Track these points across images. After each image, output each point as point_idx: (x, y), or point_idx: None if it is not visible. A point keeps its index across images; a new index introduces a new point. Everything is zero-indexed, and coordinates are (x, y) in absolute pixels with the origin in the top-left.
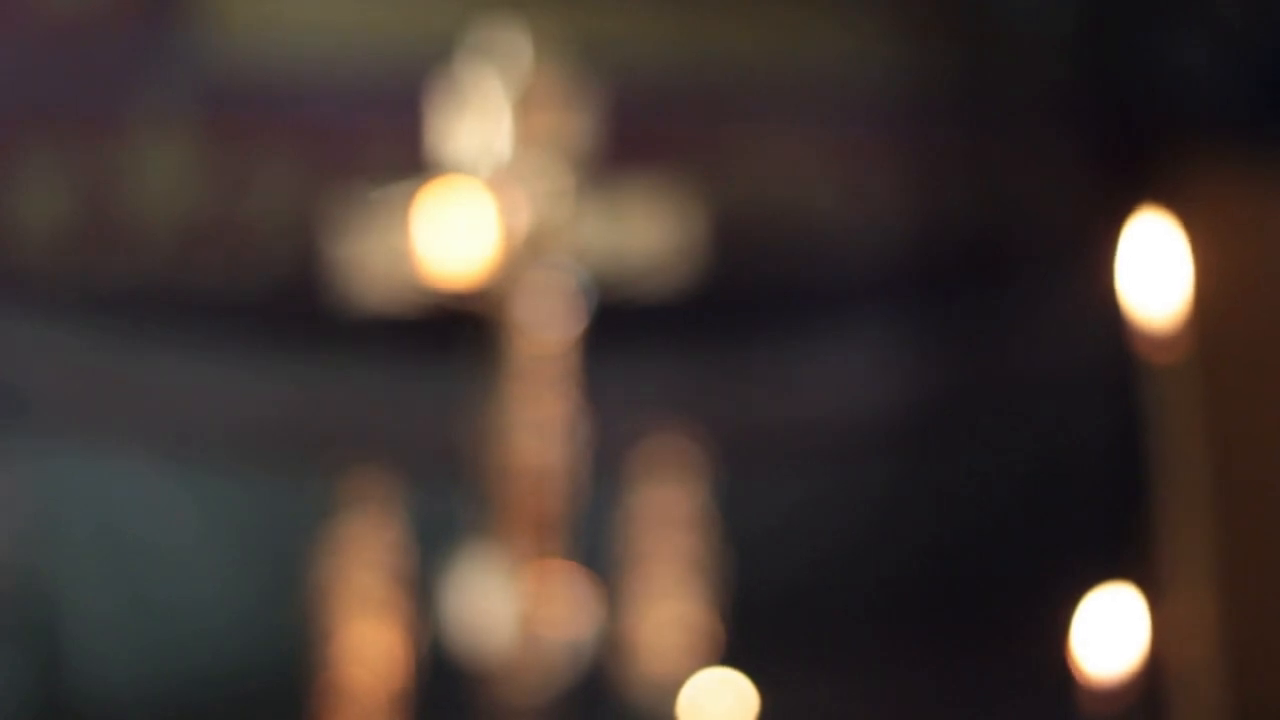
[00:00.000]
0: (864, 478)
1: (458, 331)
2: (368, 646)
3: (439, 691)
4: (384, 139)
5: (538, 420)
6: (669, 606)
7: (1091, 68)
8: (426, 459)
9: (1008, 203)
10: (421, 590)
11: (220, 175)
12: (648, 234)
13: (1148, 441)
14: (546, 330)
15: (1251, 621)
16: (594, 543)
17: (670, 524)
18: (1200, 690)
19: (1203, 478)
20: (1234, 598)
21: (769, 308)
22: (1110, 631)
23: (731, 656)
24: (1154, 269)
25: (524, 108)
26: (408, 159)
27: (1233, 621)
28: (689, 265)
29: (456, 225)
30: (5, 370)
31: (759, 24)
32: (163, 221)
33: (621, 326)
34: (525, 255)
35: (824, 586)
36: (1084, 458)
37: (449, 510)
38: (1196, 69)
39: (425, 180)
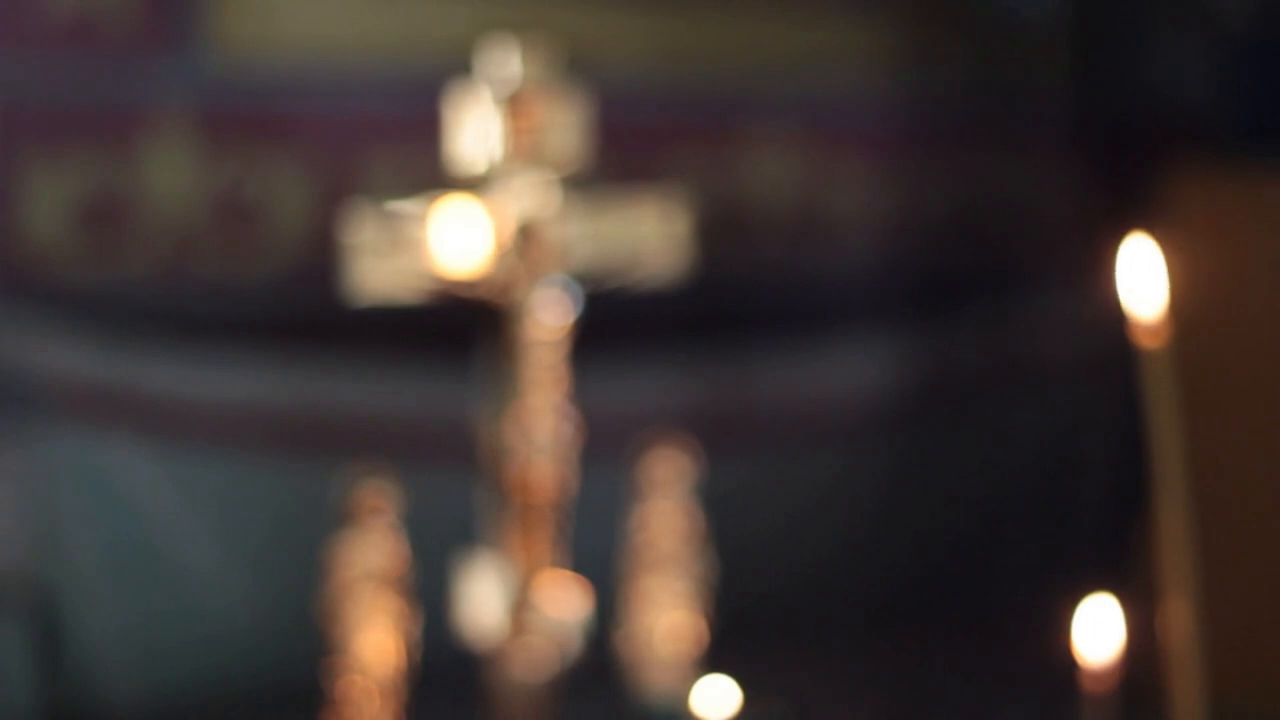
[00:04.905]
0: (862, 474)
1: (457, 329)
2: (373, 637)
3: (441, 678)
4: (384, 143)
5: (535, 414)
6: (664, 601)
7: (1090, 75)
8: (428, 453)
9: (1002, 202)
10: (423, 582)
11: (226, 177)
12: (643, 232)
13: (1142, 428)
14: (543, 326)
15: (1233, 598)
16: (590, 537)
17: (667, 518)
18: (1189, 668)
19: (1186, 464)
20: (1216, 579)
21: (766, 308)
22: (1107, 614)
23: (726, 652)
24: (1146, 264)
25: (518, 112)
26: (408, 161)
27: (1216, 599)
28: (684, 263)
29: (455, 226)
30: (12, 367)
31: (760, 29)
32: (171, 222)
33: (618, 324)
34: (522, 255)
35: (821, 583)
36: (1081, 448)
37: (451, 504)
38: (1189, 76)
39: (426, 183)
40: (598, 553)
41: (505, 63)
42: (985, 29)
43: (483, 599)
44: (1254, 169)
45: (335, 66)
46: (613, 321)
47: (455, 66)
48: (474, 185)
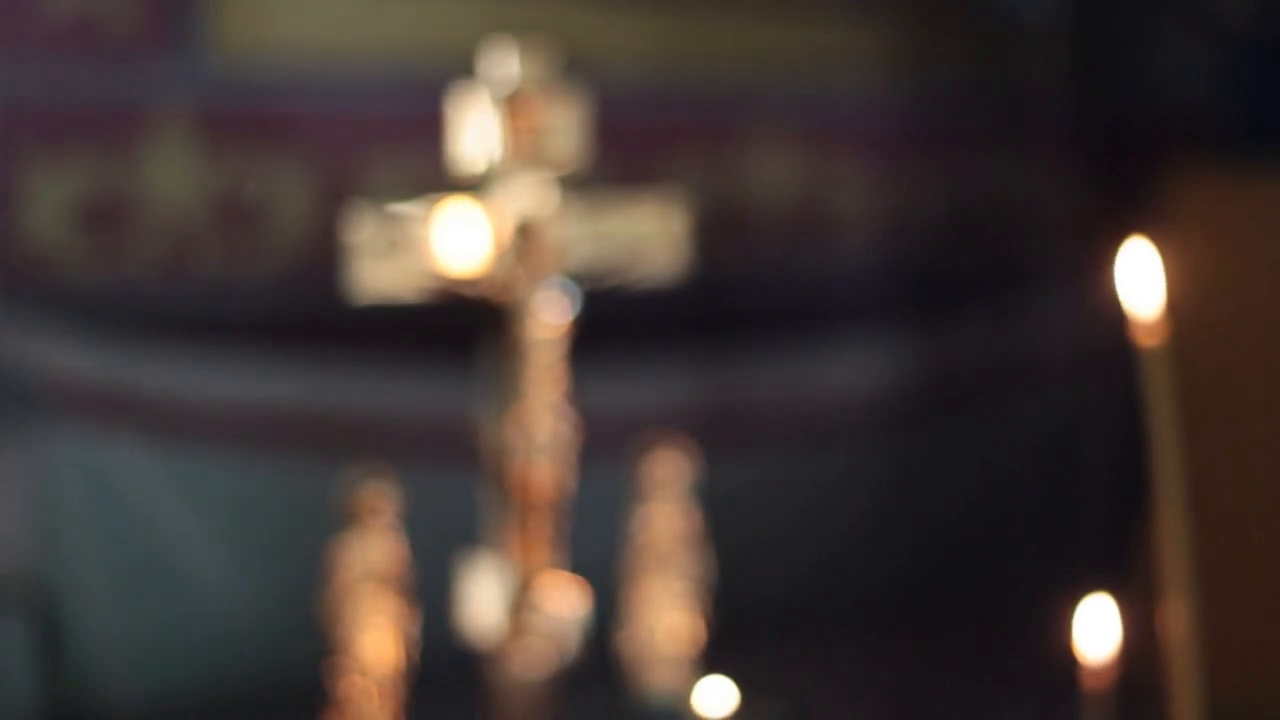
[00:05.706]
0: (863, 473)
1: (457, 329)
2: (373, 637)
3: (441, 678)
4: (384, 143)
5: (535, 414)
6: (665, 601)
7: (1090, 76)
8: (428, 453)
9: (1002, 202)
10: (423, 582)
11: (226, 177)
12: (643, 232)
13: (1142, 428)
14: (543, 326)
15: (1233, 598)
16: (590, 537)
17: (667, 518)
18: (1189, 668)
19: (1186, 464)
20: (1216, 579)
21: (766, 308)
22: (1106, 614)
23: (726, 652)
24: (1146, 264)
25: (518, 113)
26: (408, 162)
27: (1216, 599)
28: (684, 263)
29: (455, 226)
30: (13, 367)
31: (760, 29)
32: (171, 222)
33: (618, 324)
34: (522, 255)
35: (821, 583)
36: (1081, 448)
37: (451, 504)
38: (1189, 77)
39: (426, 184)
40: (598, 553)
41: (505, 63)
42: (985, 29)
43: (483, 599)
44: (1254, 169)
45: (335, 67)
46: (613, 321)
47: (455, 67)
48: (474, 185)
